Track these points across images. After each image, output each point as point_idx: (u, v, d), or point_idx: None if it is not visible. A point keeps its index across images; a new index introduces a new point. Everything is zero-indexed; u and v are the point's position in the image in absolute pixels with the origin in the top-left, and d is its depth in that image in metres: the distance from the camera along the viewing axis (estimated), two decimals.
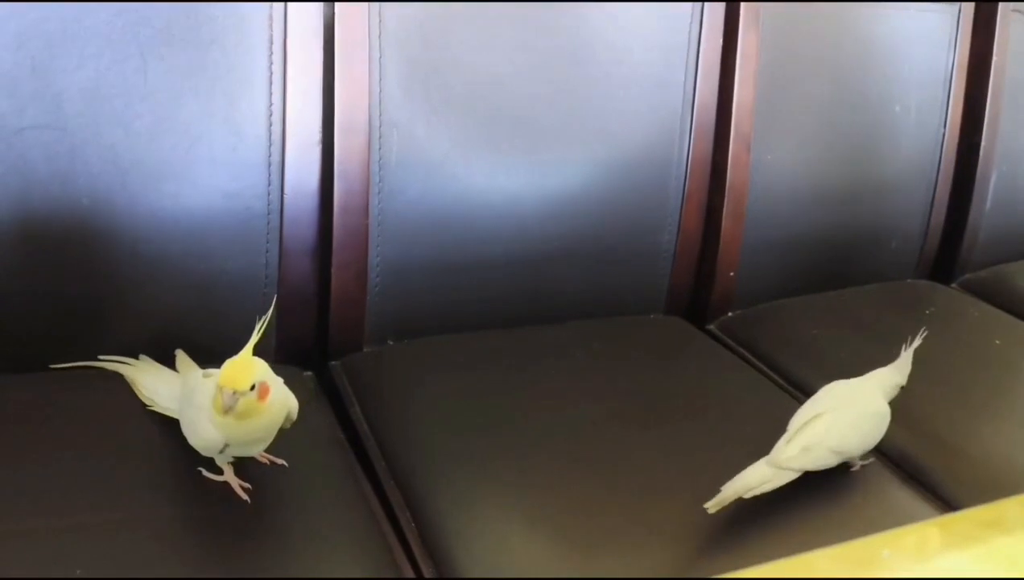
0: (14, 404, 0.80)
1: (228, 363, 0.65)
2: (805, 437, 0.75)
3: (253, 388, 0.65)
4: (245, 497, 0.70)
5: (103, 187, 0.85)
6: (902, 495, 0.81)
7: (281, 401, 0.69)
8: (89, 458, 0.74)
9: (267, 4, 0.88)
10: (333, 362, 0.98)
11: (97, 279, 0.87)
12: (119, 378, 0.84)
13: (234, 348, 0.65)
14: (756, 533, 0.73)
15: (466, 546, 0.72)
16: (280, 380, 0.70)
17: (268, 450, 0.73)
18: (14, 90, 0.81)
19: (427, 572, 0.71)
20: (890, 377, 0.83)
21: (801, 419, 0.77)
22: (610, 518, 0.74)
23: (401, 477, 0.81)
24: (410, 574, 0.71)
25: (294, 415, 0.72)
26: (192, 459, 0.72)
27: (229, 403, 0.64)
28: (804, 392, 1.00)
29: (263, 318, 0.65)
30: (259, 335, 0.66)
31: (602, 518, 0.74)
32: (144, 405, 0.79)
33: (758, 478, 0.72)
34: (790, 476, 0.73)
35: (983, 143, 1.33)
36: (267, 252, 0.92)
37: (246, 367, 0.65)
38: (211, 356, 0.73)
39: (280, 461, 0.74)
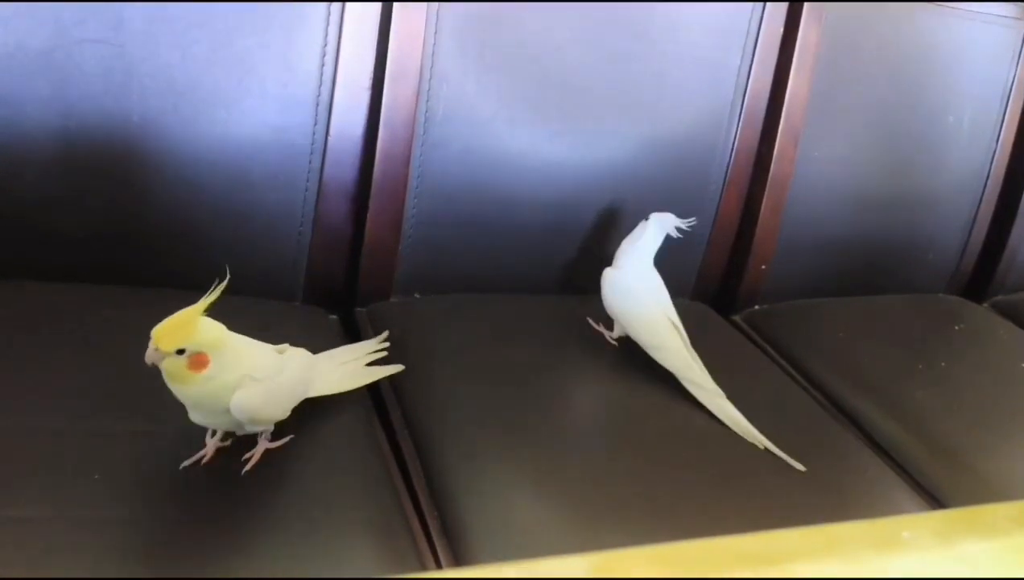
0: (50, 311, 0.81)
1: (172, 316, 0.58)
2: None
3: (182, 353, 0.58)
4: (201, 457, 0.64)
5: (155, 107, 0.86)
6: (912, 507, 0.81)
7: (230, 385, 0.60)
8: (125, 372, 0.74)
9: None
10: (359, 308, 0.99)
11: (138, 196, 0.88)
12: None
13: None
14: (763, 524, 0.74)
15: (473, 504, 0.72)
16: (266, 373, 0.63)
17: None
18: (78, 4, 0.82)
19: (431, 520, 0.72)
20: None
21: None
22: (619, 492, 0.75)
23: (415, 428, 0.82)
24: (414, 520, 0.72)
25: (256, 418, 0.63)
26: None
27: (151, 357, 0.57)
28: (823, 392, 1.01)
29: (217, 284, 0.60)
30: (213, 297, 0.59)
31: (610, 491, 0.75)
32: None
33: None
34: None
35: None
36: (306, 190, 0.93)
37: (181, 327, 0.57)
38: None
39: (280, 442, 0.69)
